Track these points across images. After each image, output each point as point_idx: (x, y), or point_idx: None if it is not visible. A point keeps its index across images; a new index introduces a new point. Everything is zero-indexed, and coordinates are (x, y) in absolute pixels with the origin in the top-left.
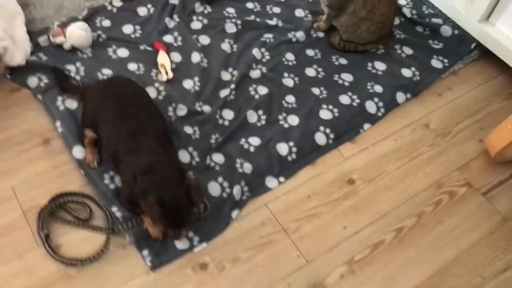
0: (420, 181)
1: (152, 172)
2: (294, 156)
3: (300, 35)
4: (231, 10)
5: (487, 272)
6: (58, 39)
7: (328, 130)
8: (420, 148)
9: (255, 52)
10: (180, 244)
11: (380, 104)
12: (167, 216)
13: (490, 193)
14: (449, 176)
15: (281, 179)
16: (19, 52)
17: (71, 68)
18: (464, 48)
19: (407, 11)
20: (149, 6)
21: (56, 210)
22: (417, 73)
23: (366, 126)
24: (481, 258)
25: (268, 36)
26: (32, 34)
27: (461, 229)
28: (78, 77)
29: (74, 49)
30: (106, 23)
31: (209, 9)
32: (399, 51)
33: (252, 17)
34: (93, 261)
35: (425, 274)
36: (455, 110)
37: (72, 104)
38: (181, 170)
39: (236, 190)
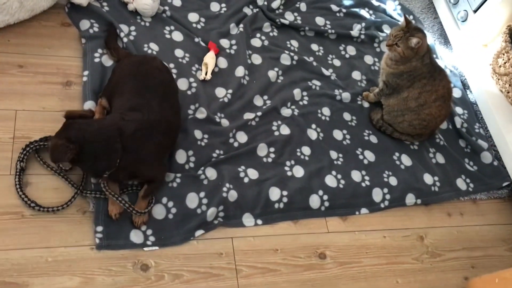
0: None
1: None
2: (281, 205)
3: (346, 95)
4: (294, 43)
5: None
6: None
7: (325, 197)
8: (404, 257)
9: (296, 92)
10: (134, 236)
11: (388, 196)
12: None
13: None
14: None
15: (259, 221)
16: None
17: (124, 28)
18: (496, 181)
19: (458, 121)
20: (223, 5)
21: (42, 149)
22: (438, 184)
23: (364, 210)
24: None
25: (316, 83)
26: None
27: None
28: (126, 40)
29: (135, 13)
30: (177, 2)
31: (275, 33)
32: (431, 155)
33: (311, 59)
34: (50, 212)
35: None
36: (457, 237)
37: (108, 61)
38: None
39: (211, 211)
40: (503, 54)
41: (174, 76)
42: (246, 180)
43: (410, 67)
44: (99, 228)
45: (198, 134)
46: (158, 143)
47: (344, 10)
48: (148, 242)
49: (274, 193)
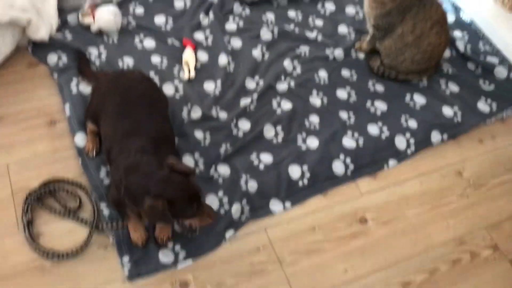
0: (440, 233)
1: (135, 172)
2: (305, 181)
3: (338, 52)
4: (270, 16)
5: None
6: (87, 20)
7: (348, 160)
8: (448, 197)
9: (287, 63)
10: (164, 257)
11: (412, 141)
12: (175, 208)
13: None
14: (475, 234)
15: (287, 204)
16: (44, 26)
17: (93, 51)
18: None
19: (460, 45)
20: None
21: (45, 196)
22: (459, 113)
23: (392, 162)
24: None
25: (304, 49)
26: (63, 11)
27: None
28: (98, 62)
29: (100, 32)
30: (139, 10)
31: (248, 11)
32: (443, 87)
33: (291, 27)
34: (70, 257)
35: None
36: (495, 161)
37: (86, 89)
38: None
39: (235, 208)
40: None
41: (158, 83)
42: (261, 166)
43: (396, 0)
44: (126, 259)
45: (199, 134)
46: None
47: None
48: (180, 258)
49: (294, 171)
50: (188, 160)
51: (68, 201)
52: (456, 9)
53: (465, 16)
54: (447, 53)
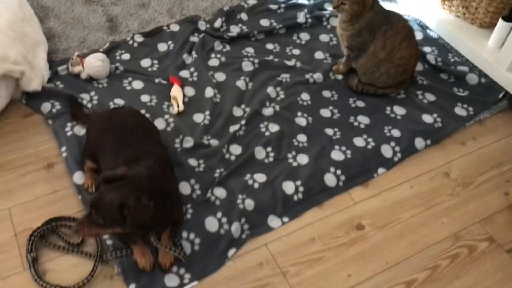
0: (436, 232)
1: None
2: (300, 196)
3: (317, 76)
4: (250, 50)
5: None
6: (76, 69)
7: (339, 172)
8: (438, 197)
9: (270, 90)
10: (170, 281)
11: (397, 148)
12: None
13: None
14: (469, 229)
15: (285, 219)
16: (36, 78)
17: (85, 96)
18: (491, 97)
19: (431, 58)
20: (169, 42)
21: (47, 234)
22: (438, 119)
23: (381, 170)
24: None
25: (285, 76)
26: (53, 63)
27: None
28: (90, 105)
29: (90, 79)
30: (126, 56)
31: (228, 48)
32: (420, 97)
33: (271, 57)
34: None
35: None
36: (479, 160)
37: (80, 131)
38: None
39: (235, 227)
40: None
41: (150, 119)
42: (256, 185)
43: (365, 21)
44: (132, 286)
45: (193, 162)
46: (172, 178)
47: (283, 5)
48: (185, 281)
49: (288, 187)
50: (184, 186)
51: (70, 237)
52: (423, 27)
53: (432, 33)
54: (419, 67)
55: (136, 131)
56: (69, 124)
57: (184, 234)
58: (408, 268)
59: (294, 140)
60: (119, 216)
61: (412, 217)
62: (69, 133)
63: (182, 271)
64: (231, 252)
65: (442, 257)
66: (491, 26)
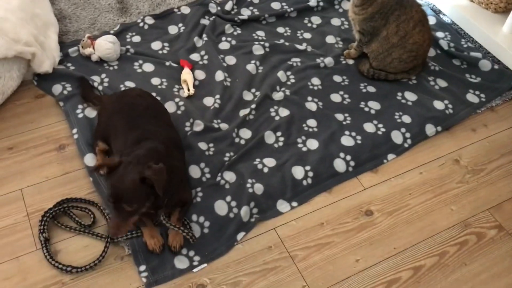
0: (445, 218)
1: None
2: (309, 180)
3: (328, 61)
4: (261, 33)
5: None
6: (87, 51)
7: (348, 157)
8: (448, 184)
9: (280, 74)
10: (179, 263)
11: (407, 135)
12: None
13: None
14: (478, 216)
15: (294, 203)
16: (47, 60)
17: (95, 78)
18: (504, 84)
19: (444, 44)
20: (180, 25)
21: (59, 215)
22: (450, 106)
23: (391, 156)
24: None
25: (296, 60)
26: (64, 45)
27: (487, 275)
28: (101, 88)
29: (101, 61)
30: (136, 38)
31: (239, 31)
32: (432, 83)
33: (281, 41)
34: (88, 270)
35: None
36: (490, 147)
37: (91, 112)
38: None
39: (244, 211)
40: None
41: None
42: (265, 170)
43: (378, 5)
44: (142, 267)
45: (203, 145)
46: (181, 159)
47: None
48: (195, 263)
49: (298, 172)
50: (194, 170)
51: (82, 218)
52: (436, 12)
53: (445, 18)
54: (432, 52)
55: (147, 113)
56: (80, 106)
57: (194, 217)
58: (415, 254)
59: (304, 125)
60: (146, 189)
61: (421, 203)
62: (80, 115)
63: (191, 253)
64: (240, 235)
65: (450, 244)
66: (506, 11)
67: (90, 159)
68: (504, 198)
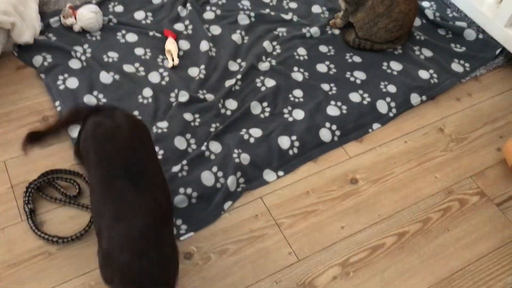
0: (428, 186)
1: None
2: (295, 150)
3: (314, 30)
4: (246, 3)
5: (495, 287)
6: (69, 21)
7: (334, 127)
8: (432, 152)
9: (266, 44)
10: None
11: (392, 104)
12: None
13: (504, 204)
14: (461, 183)
15: (280, 173)
16: (27, 30)
17: (78, 49)
18: (488, 53)
19: (429, 13)
20: None
21: (44, 186)
22: (435, 75)
23: (376, 126)
24: (489, 271)
25: (281, 30)
26: (45, 15)
27: (469, 239)
28: (83, 58)
29: (83, 31)
30: (119, 8)
31: (223, 0)
32: (417, 53)
33: (267, 11)
34: (75, 240)
35: (425, 284)
36: (474, 116)
37: (73, 83)
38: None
39: (231, 180)
40: None
41: (143, 74)
42: (252, 140)
43: None
44: None
45: (188, 116)
46: (170, 232)
47: None
48: (182, 231)
49: (284, 142)
50: (180, 141)
51: (67, 189)
52: None
53: None
54: (417, 22)
55: (126, 162)
56: (60, 77)
57: (181, 190)
58: (400, 221)
59: (290, 95)
60: None
61: (405, 171)
62: (61, 87)
63: (179, 222)
64: (227, 204)
65: (434, 210)
66: None
67: (74, 131)
68: (487, 165)
